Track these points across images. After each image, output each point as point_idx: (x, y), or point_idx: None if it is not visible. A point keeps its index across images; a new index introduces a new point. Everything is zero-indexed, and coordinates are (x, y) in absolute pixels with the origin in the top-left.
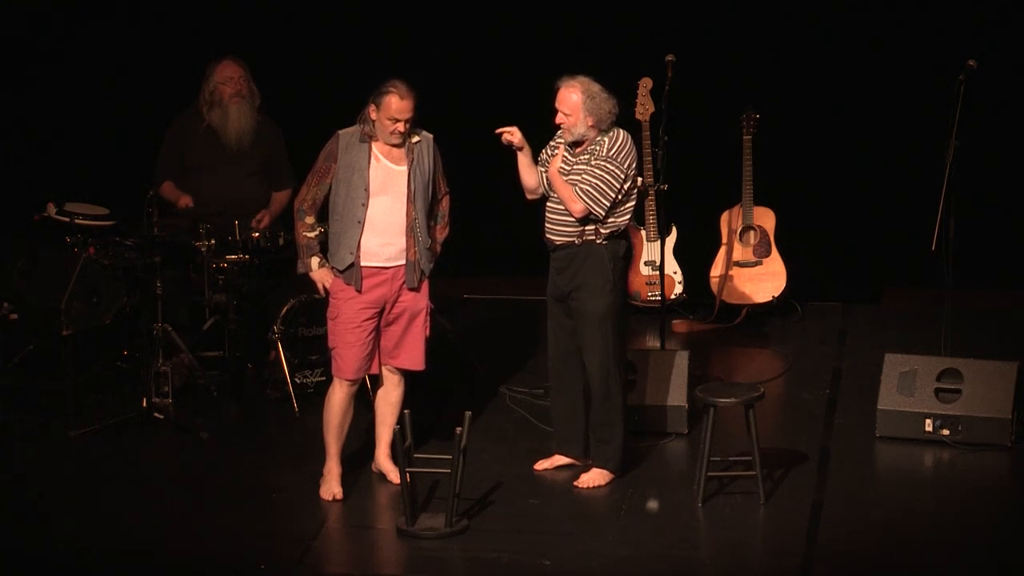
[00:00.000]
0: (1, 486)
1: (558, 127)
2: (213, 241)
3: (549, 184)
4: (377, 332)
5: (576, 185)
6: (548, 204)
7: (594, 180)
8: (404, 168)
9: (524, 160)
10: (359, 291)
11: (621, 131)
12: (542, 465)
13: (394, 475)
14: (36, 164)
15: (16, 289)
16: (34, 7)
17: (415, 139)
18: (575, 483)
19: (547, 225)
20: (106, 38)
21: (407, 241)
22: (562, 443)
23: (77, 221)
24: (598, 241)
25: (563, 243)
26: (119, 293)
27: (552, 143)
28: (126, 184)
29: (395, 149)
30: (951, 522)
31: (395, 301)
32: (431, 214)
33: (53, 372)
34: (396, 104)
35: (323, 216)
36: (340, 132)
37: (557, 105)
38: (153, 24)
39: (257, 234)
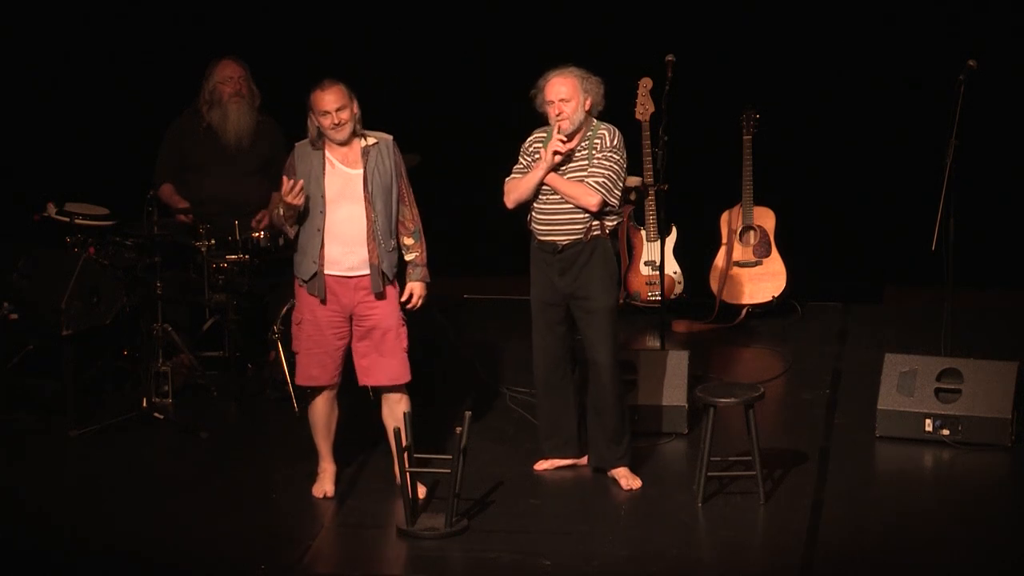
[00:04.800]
0: (1, 486)
1: (544, 123)
2: (213, 241)
3: (539, 188)
4: (349, 346)
5: (587, 179)
6: (543, 207)
7: (607, 172)
8: (360, 171)
9: (550, 175)
10: (323, 302)
11: (612, 125)
12: (542, 466)
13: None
14: (36, 164)
15: (16, 289)
16: (34, 7)
17: (371, 141)
18: (624, 488)
19: (546, 227)
20: (106, 37)
21: (368, 246)
22: (554, 448)
23: (77, 221)
24: (603, 236)
25: (569, 242)
26: (119, 293)
27: (527, 148)
28: (126, 184)
29: (350, 153)
30: (951, 522)
31: (363, 314)
32: (405, 231)
33: (53, 372)
34: (320, 98)
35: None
36: (296, 144)
37: (552, 96)
38: (154, 23)
39: (257, 234)
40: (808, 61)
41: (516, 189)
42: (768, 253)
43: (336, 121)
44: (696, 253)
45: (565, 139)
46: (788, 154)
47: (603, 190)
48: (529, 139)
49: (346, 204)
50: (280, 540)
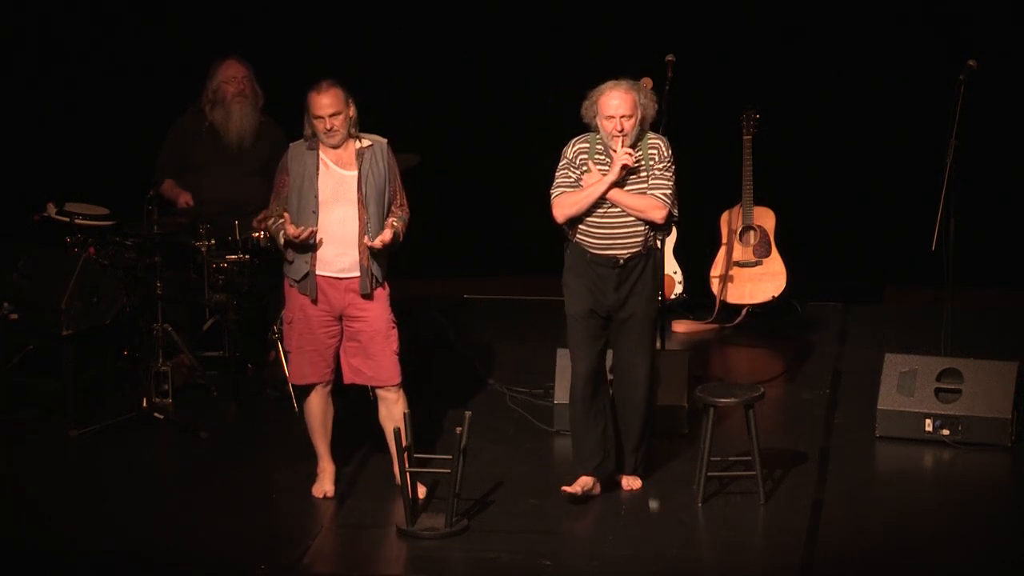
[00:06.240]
0: (1, 486)
1: (589, 132)
2: (213, 241)
3: (596, 202)
4: (340, 345)
5: (651, 191)
6: (601, 221)
7: (668, 184)
8: (354, 173)
9: (612, 189)
10: (314, 302)
11: (662, 136)
12: (575, 489)
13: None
14: (36, 164)
15: (16, 289)
16: (35, 7)
17: (365, 143)
18: (624, 488)
19: (604, 241)
20: (107, 37)
21: (360, 248)
22: (596, 467)
23: (77, 221)
24: (655, 247)
25: (630, 255)
26: (119, 293)
27: (574, 161)
28: (126, 184)
29: (345, 155)
30: (951, 522)
31: (353, 315)
32: (393, 214)
33: (53, 372)
34: (315, 101)
35: None
36: (291, 144)
37: (611, 112)
38: (154, 23)
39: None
40: (808, 61)
41: (573, 204)
42: (768, 253)
43: (329, 127)
44: (696, 253)
45: (631, 152)
46: (788, 154)
47: (669, 202)
48: (572, 150)
49: (339, 206)
50: (280, 540)
